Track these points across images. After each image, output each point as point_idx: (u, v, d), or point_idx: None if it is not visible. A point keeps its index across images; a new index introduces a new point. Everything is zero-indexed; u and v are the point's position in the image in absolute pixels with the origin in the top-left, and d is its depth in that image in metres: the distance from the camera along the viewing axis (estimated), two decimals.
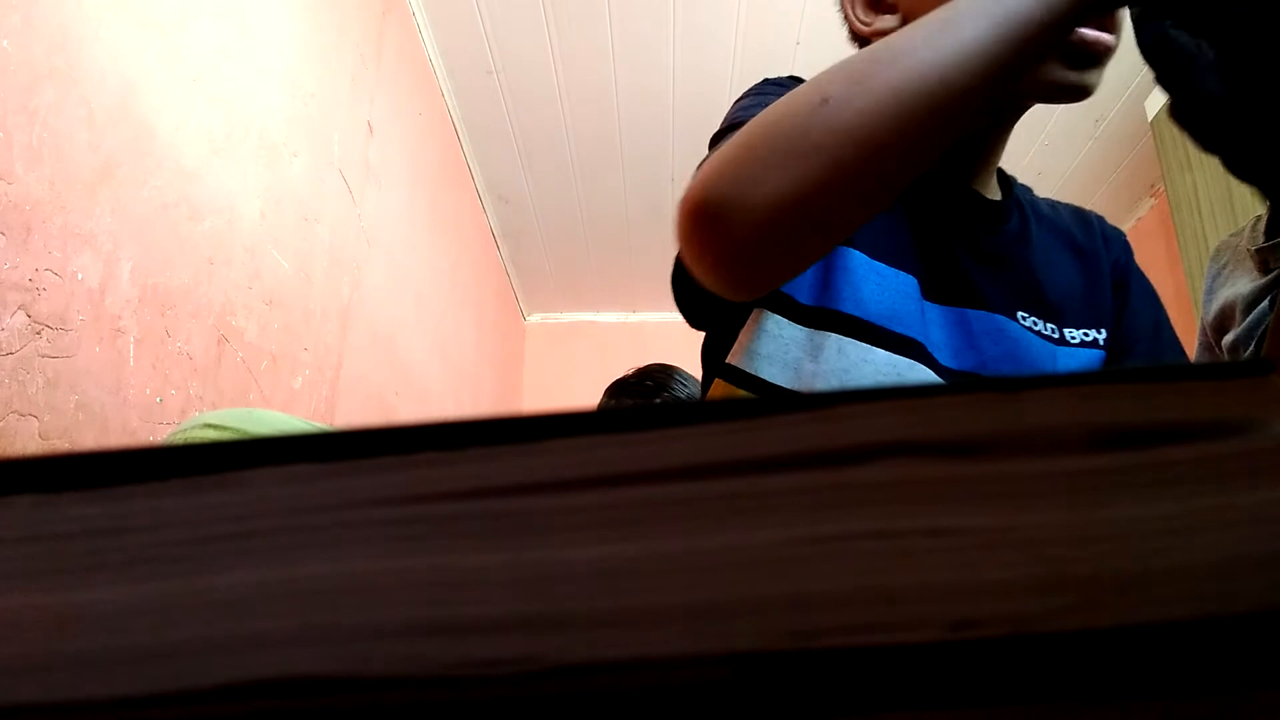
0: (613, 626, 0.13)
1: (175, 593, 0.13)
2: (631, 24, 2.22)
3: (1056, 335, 0.60)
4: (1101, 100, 2.50)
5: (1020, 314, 0.59)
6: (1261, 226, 0.87)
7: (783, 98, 0.41)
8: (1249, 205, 2.00)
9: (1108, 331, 0.62)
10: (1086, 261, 0.65)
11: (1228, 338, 0.81)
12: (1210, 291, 0.87)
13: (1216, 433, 0.13)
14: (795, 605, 0.13)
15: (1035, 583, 0.13)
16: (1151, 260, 2.92)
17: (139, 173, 1.08)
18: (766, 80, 0.62)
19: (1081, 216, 0.70)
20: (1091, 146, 2.70)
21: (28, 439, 0.90)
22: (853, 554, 0.13)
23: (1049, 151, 2.71)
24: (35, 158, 0.91)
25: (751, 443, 0.13)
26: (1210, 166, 2.08)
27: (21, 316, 0.89)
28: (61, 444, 0.93)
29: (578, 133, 2.62)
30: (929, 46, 0.37)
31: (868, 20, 0.58)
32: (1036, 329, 0.60)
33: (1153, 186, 2.85)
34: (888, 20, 0.57)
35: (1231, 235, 0.86)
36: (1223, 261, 0.86)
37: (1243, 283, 0.82)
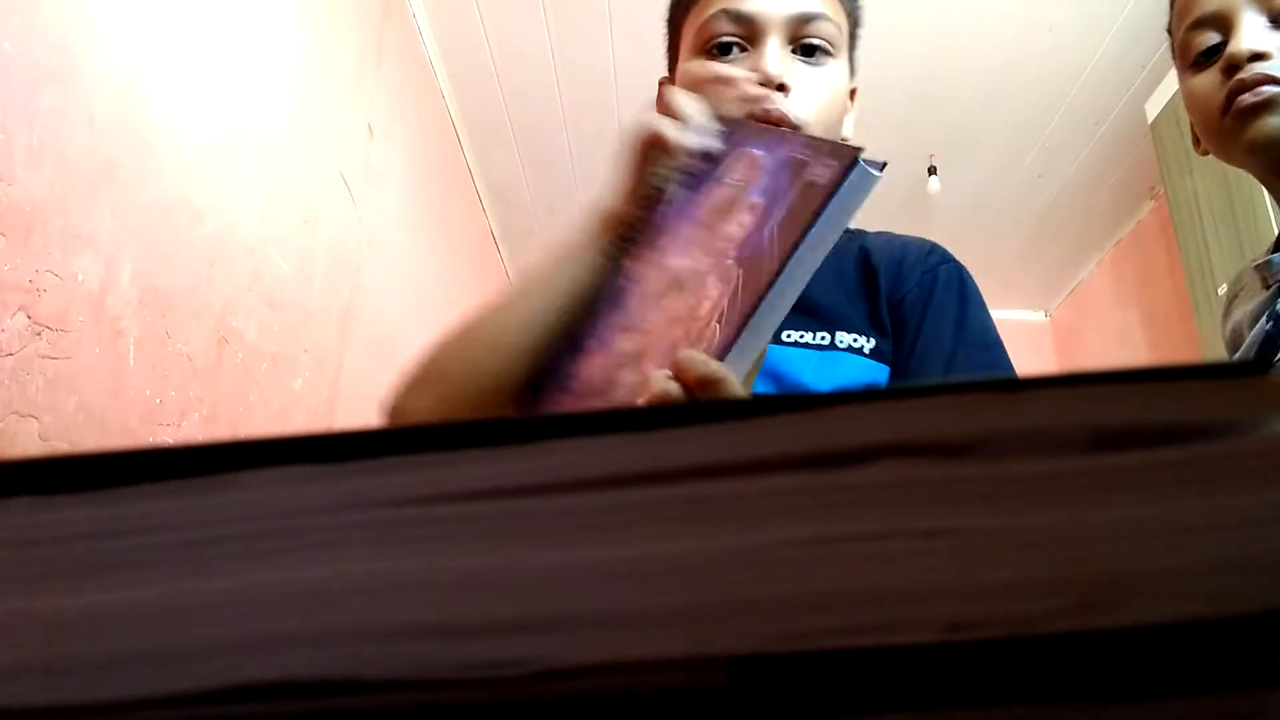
0: (610, 629, 0.13)
1: (171, 596, 0.13)
2: (632, 25, 2.22)
3: (827, 341, 0.65)
4: (1102, 102, 2.51)
5: (785, 333, 0.65)
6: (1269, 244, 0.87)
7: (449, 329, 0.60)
8: (1249, 208, 2.00)
9: (878, 342, 0.66)
10: (872, 278, 0.70)
11: (1238, 355, 0.82)
12: (1225, 315, 0.88)
13: (1212, 433, 0.13)
14: (792, 607, 0.13)
15: (1032, 584, 0.13)
16: (1151, 262, 2.92)
17: (139, 174, 1.08)
18: None
19: (905, 245, 0.74)
20: (1091, 149, 2.70)
21: (27, 440, 0.90)
22: (850, 556, 0.13)
23: (1049, 154, 2.71)
24: (36, 159, 0.91)
25: (748, 444, 0.13)
26: (1210, 169, 2.09)
27: (22, 318, 0.89)
28: (61, 445, 0.93)
29: (578, 134, 2.62)
30: (503, 320, 0.60)
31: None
32: (803, 340, 0.65)
33: (1153, 189, 2.85)
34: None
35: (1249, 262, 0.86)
36: (1239, 287, 0.87)
37: (1252, 302, 0.83)
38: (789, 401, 0.13)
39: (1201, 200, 2.24)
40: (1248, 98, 0.72)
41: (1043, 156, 2.74)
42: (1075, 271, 3.37)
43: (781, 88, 0.63)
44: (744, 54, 0.66)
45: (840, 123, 0.70)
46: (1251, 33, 0.73)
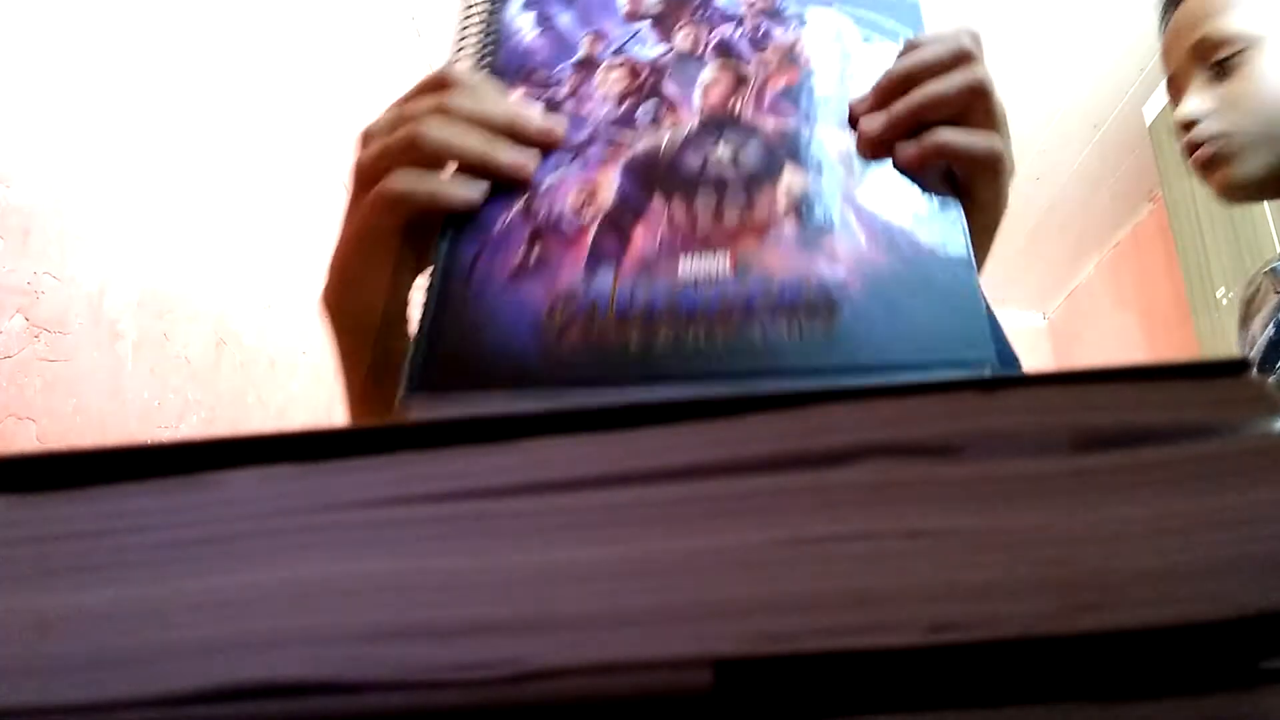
0: (593, 630, 0.13)
1: (157, 596, 0.13)
2: None
3: None
4: (1100, 105, 2.51)
5: None
6: None
7: None
8: (1246, 211, 2.00)
9: None
10: None
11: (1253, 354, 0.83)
12: (1242, 322, 0.89)
13: (1196, 434, 0.13)
14: (775, 608, 0.13)
15: (1016, 585, 0.13)
16: (1149, 265, 2.92)
17: (138, 175, 1.08)
18: None
19: None
20: (1090, 152, 2.70)
21: (26, 442, 0.90)
22: (832, 556, 0.13)
23: (1047, 157, 2.71)
24: (35, 160, 0.91)
25: (730, 444, 0.13)
26: None
27: (20, 320, 0.89)
28: (60, 447, 0.93)
29: None
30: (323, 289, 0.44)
31: None
32: None
33: (1151, 192, 2.85)
34: None
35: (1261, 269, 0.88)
36: (1251, 291, 0.88)
37: (1266, 309, 0.84)
38: (770, 400, 0.13)
39: (1200, 203, 2.24)
40: (1196, 157, 0.78)
41: (1041, 159, 2.75)
42: (1073, 274, 3.38)
43: None
44: None
45: None
46: (1190, 99, 0.78)
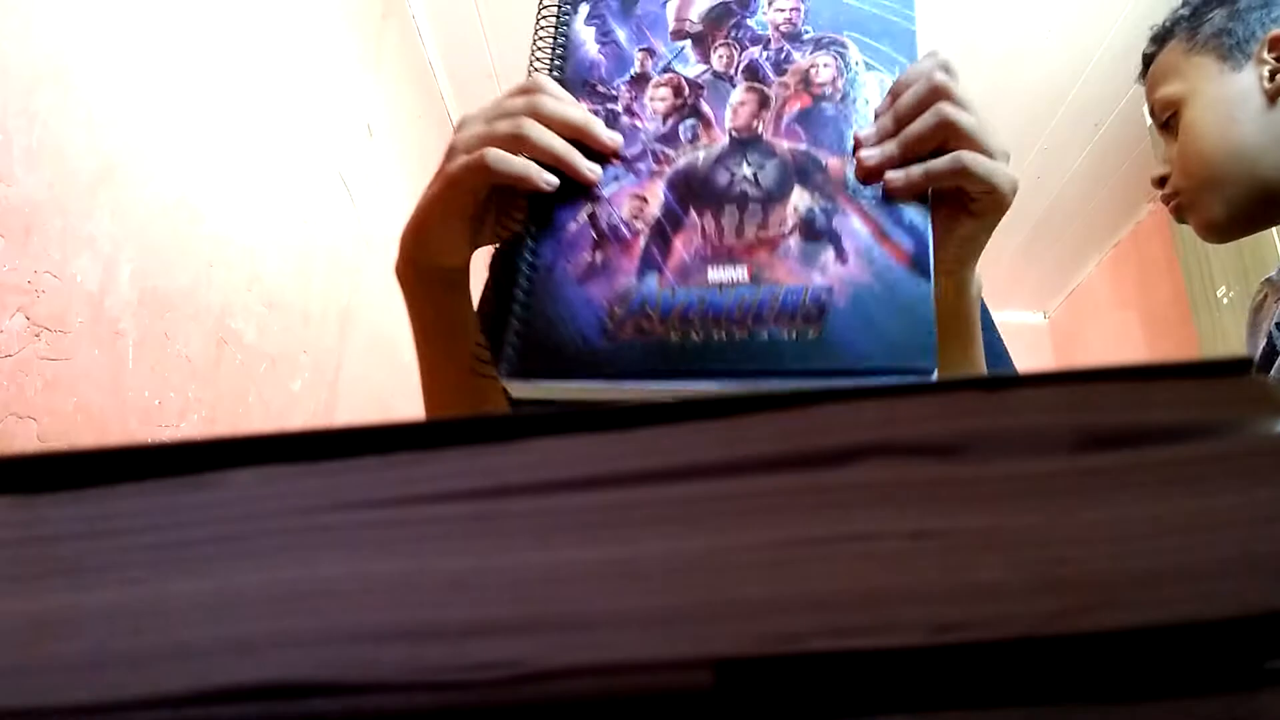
0: (594, 630, 0.13)
1: (153, 597, 0.13)
2: None
3: None
4: (1101, 104, 2.50)
5: None
6: None
7: None
8: None
9: None
10: None
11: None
12: (1253, 326, 0.93)
13: (1198, 433, 0.13)
14: (777, 608, 0.13)
15: (1019, 585, 0.13)
16: (1150, 264, 2.92)
17: (139, 174, 1.08)
18: None
19: None
20: (1090, 150, 2.70)
21: (26, 441, 0.90)
22: (835, 556, 0.13)
23: (1048, 155, 2.71)
24: (35, 160, 0.91)
25: (732, 443, 0.13)
26: None
27: (20, 319, 0.89)
28: (60, 446, 0.93)
29: None
30: (402, 238, 0.51)
31: None
32: None
33: (1151, 191, 2.85)
34: None
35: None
36: (1260, 297, 0.92)
37: (1276, 313, 0.88)
38: (773, 399, 0.13)
39: None
40: (1172, 215, 0.89)
41: (1042, 158, 2.74)
42: (1074, 273, 3.37)
43: None
44: None
45: None
46: (1159, 163, 0.89)
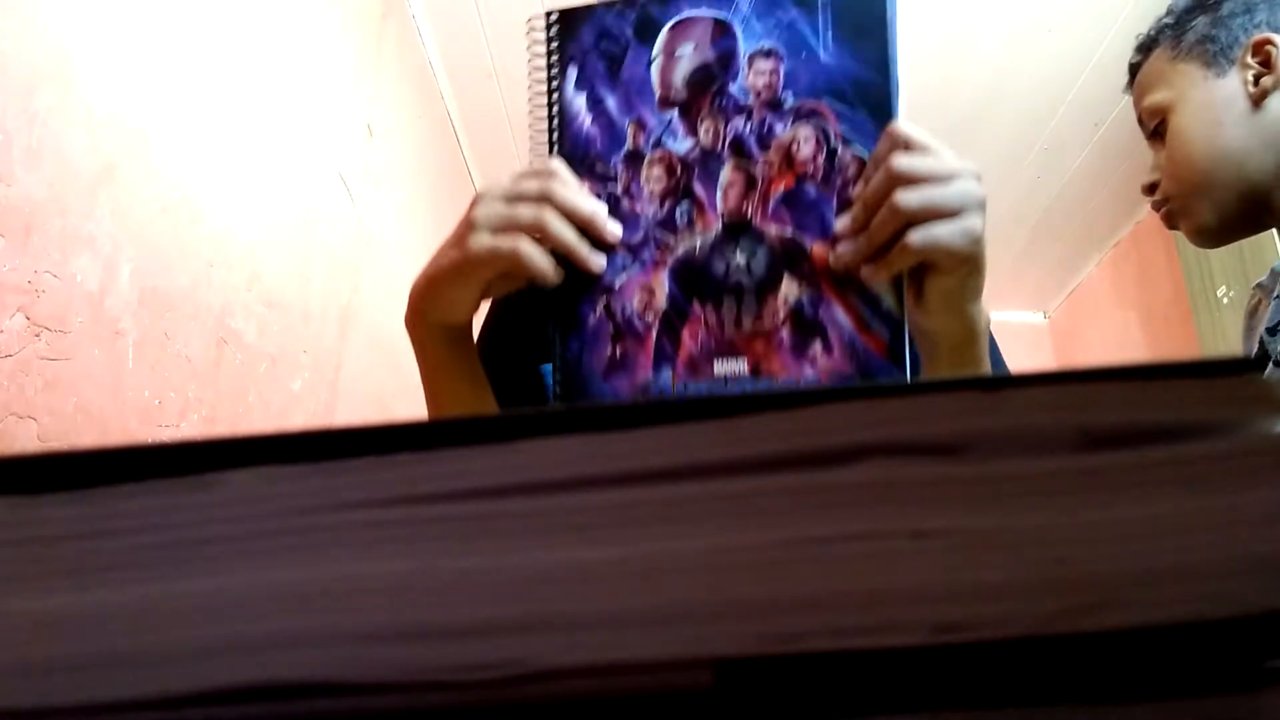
0: (595, 630, 0.13)
1: (154, 597, 0.13)
2: None
3: None
4: (1101, 103, 2.50)
5: None
6: None
7: None
8: None
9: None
10: None
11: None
12: (1247, 330, 0.94)
13: (1201, 433, 0.13)
14: (778, 608, 0.12)
15: (1021, 586, 0.13)
16: (1150, 264, 2.92)
17: (139, 174, 1.08)
18: None
19: None
20: (1090, 150, 2.70)
21: (27, 441, 0.90)
22: (836, 557, 0.13)
23: (1048, 155, 2.71)
24: (35, 159, 0.91)
25: (733, 443, 0.13)
26: None
27: (20, 319, 0.89)
28: (60, 447, 0.93)
29: None
30: (414, 290, 0.56)
31: None
32: None
33: None
34: None
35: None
36: (1255, 301, 0.93)
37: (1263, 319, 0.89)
38: (774, 399, 0.13)
39: None
40: (1163, 221, 0.90)
41: (1042, 158, 2.74)
42: (1074, 273, 3.37)
43: None
44: None
45: None
46: (1148, 173, 0.90)
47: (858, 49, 0.50)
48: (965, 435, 0.13)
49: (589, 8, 0.54)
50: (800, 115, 0.50)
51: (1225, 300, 2.26)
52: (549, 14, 0.55)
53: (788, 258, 0.49)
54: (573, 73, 0.54)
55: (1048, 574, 0.13)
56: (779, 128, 0.50)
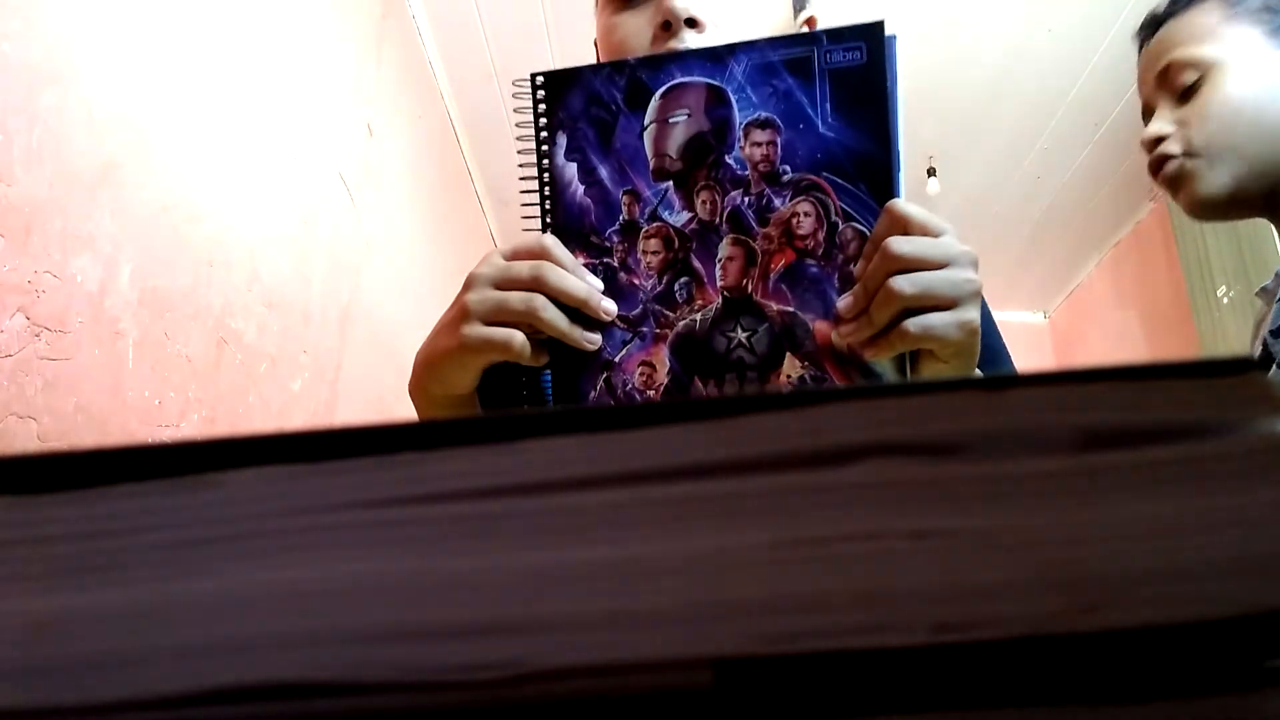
0: (594, 630, 0.13)
1: (154, 597, 0.13)
2: None
3: None
4: (1101, 104, 2.50)
5: None
6: None
7: None
8: None
9: None
10: None
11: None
12: (1254, 335, 0.92)
13: (1201, 432, 0.13)
14: (778, 608, 0.13)
15: (1021, 585, 0.13)
16: (1150, 263, 2.92)
17: (139, 175, 1.08)
18: None
19: None
20: (1090, 150, 2.70)
21: (27, 441, 0.90)
22: (835, 556, 0.13)
23: (1048, 155, 2.71)
24: (35, 159, 0.91)
25: (733, 443, 0.13)
26: None
27: (20, 319, 0.89)
28: (60, 446, 0.93)
29: None
30: (415, 367, 0.57)
31: None
32: None
33: (1152, 190, 2.85)
34: None
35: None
36: (1262, 313, 0.91)
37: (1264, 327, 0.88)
38: (774, 399, 0.13)
39: None
40: (1162, 174, 0.83)
41: (1042, 158, 2.74)
42: (1074, 273, 3.37)
43: (692, 23, 0.59)
44: (643, 3, 0.62)
45: None
46: (1156, 120, 0.83)
47: (857, 121, 0.48)
48: (965, 435, 0.13)
49: (576, 71, 0.52)
50: (799, 189, 0.49)
51: (1225, 300, 2.26)
52: (534, 77, 0.52)
53: (789, 335, 0.48)
54: (562, 140, 0.52)
55: (1048, 574, 0.13)
56: (778, 202, 0.49)
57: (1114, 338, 3.17)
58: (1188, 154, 0.80)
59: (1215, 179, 0.79)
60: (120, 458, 0.14)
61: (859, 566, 0.13)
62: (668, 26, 0.60)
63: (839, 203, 0.49)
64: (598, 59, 0.69)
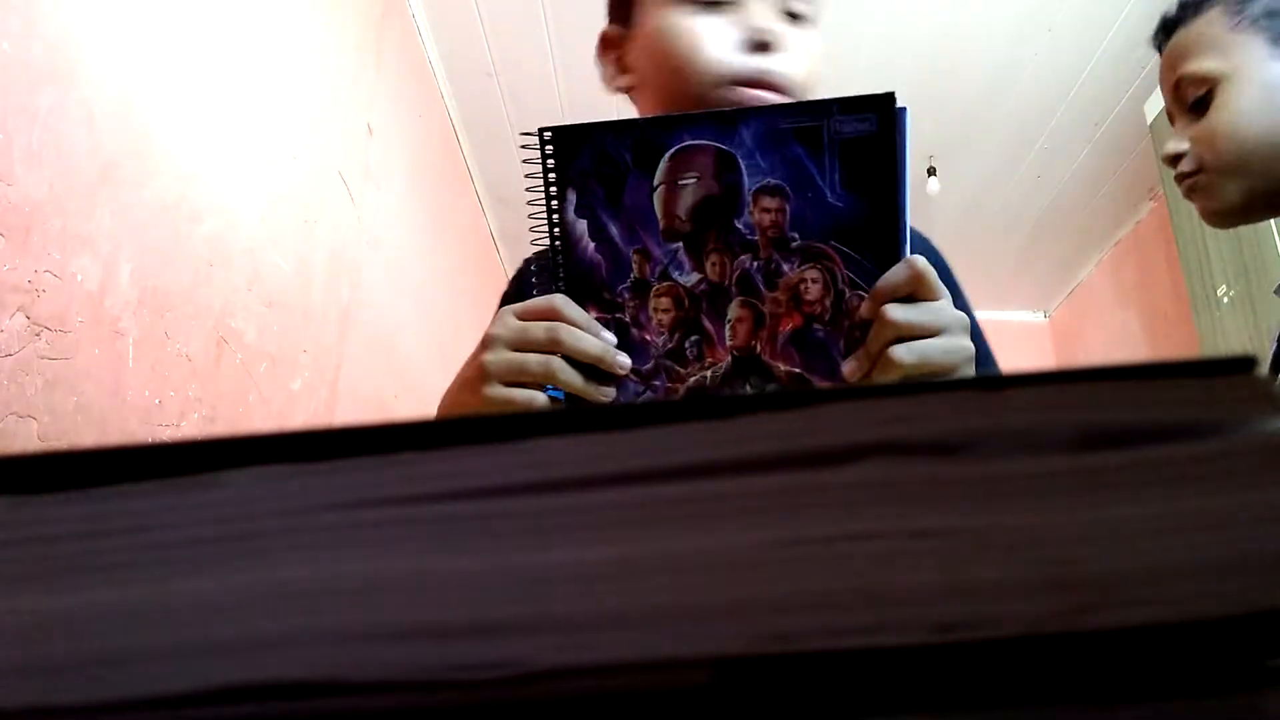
0: (595, 630, 0.13)
1: (154, 596, 0.13)
2: None
3: None
4: (1101, 103, 2.50)
5: None
6: None
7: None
8: None
9: None
10: None
11: None
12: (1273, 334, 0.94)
13: (1200, 432, 0.13)
14: (777, 608, 0.13)
15: (1020, 585, 0.13)
16: (1151, 262, 2.92)
17: (138, 175, 1.08)
18: (526, 262, 0.77)
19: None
20: (1091, 150, 2.70)
21: (27, 441, 0.90)
22: (836, 556, 0.13)
23: (1048, 155, 2.71)
24: (35, 159, 0.91)
25: (733, 443, 0.13)
26: None
27: (21, 318, 0.89)
28: (60, 446, 0.93)
29: None
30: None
31: (617, 82, 0.73)
32: None
33: (1152, 190, 2.85)
34: (625, 80, 0.71)
35: None
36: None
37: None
38: (774, 399, 0.13)
39: None
40: (1182, 189, 0.87)
41: (1042, 157, 2.74)
42: (1074, 272, 3.37)
43: (766, 46, 0.60)
44: (726, 8, 0.62)
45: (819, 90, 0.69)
46: (1173, 137, 0.87)
47: (867, 192, 0.49)
48: (965, 435, 0.13)
49: (584, 128, 0.52)
50: (807, 256, 0.50)
51: (1225, 300, 2.26)
52: (542, 131, 0.53)
53: None
54: (572, 197, 0.53)
55: (1047, 573, 0.13)
56: (786, 267, 0.50)
57: (1114, 337, 3.17)
58: (1201, 170, 0.83)
59: (1227, 193, 0.82)
60: (120, 457, 0.14)
61: (859, 566, 0.13)
62: (763, 46, 0.61)
63: (845, 272, 0.50)
64: (609, 59, 0.71)
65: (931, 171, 2.66)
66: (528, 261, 0.81)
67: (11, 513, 0.14)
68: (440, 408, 0.58)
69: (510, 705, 0.13)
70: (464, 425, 0.14)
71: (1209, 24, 0.83)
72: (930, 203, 2.69)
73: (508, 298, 0.74)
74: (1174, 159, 0.85)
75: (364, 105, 1.85)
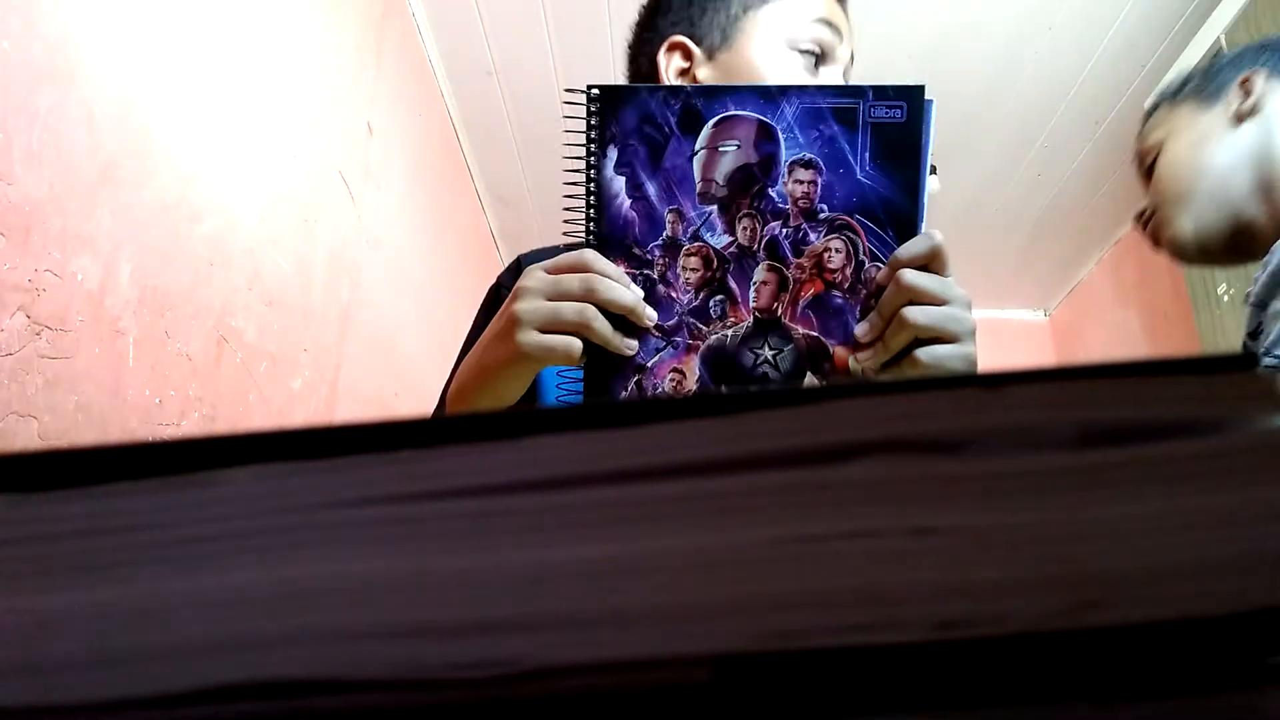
0: (595, 627, 0.13)
1: (154, 595, 0.13)
2: (631, 25, 2.22)
3: None
4: (1101, 102, 2.50)
5: None
6: None
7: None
8: None
9: None
10: None
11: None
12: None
13: (1201, 429, 0.13)
14: (778, 606, 0.12)
15: (1021, 583, 0.13)
16: (1151, 262, 2.91)
17: (139, 174, 1.08)
18: (520, 258, 0.80)
19: None
20: (1091, 149, 2.70)
21: (27, 440, 0.90)
22: (836, 554, 0.13)
23: (1048, 153, 2.71)
24: (35, 159, 0.91)
25: (735, 440, 0.13)
26: None
27: (21, 318, 0.89)
28: (61, 445, 0.93)
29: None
30: (463, 379, 0.60)
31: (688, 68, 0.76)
32: None
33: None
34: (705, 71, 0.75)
35: None
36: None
37: None
38: (776, 396, 0.13)
39: None
40: (1146, 235, 1.04)
41: (1042, 156, 2.74)
42: (1075, 271, 3.37)
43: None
44: (826, 62, 0.70)
45: None
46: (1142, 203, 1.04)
47: (892, 173, 0.53)
48: (966, 432, 0.13)
49: (632, 89, 0.55)
50: (833, 227, 0.54)
51: (1226, 298, 2.26)
52: (589, 89, 0.55)
53: (812, 357, 0.53)
54: (613, 153, 0.55)
55: (1049, 571, 0.13)
56: (813, 236, 0.54)
57: (1114, 336, 3.17)
58: (1156, 209, 0.99)
59: (1177, 224, 0.96)
60: (120, 456, 0.14)
61: (860, 563, 0.13)
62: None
63: (867, 243, 0.54)
64: (670, 64, 0.76)
65: (932, 170, 2.66)
66: (520, 258, 0.82)
67: (11, 511, 0.14)
68: (466, 370, 0.58)
69: (511, 703, 0.13)
70: (464, 423, 0.14)
71: (1158, 115, 1.03)
72: (930, 201, 2.68)
73: (498, 288, 0.75)
74: (1138, 216, 1.02)
75: (364, 105, 1.85)
